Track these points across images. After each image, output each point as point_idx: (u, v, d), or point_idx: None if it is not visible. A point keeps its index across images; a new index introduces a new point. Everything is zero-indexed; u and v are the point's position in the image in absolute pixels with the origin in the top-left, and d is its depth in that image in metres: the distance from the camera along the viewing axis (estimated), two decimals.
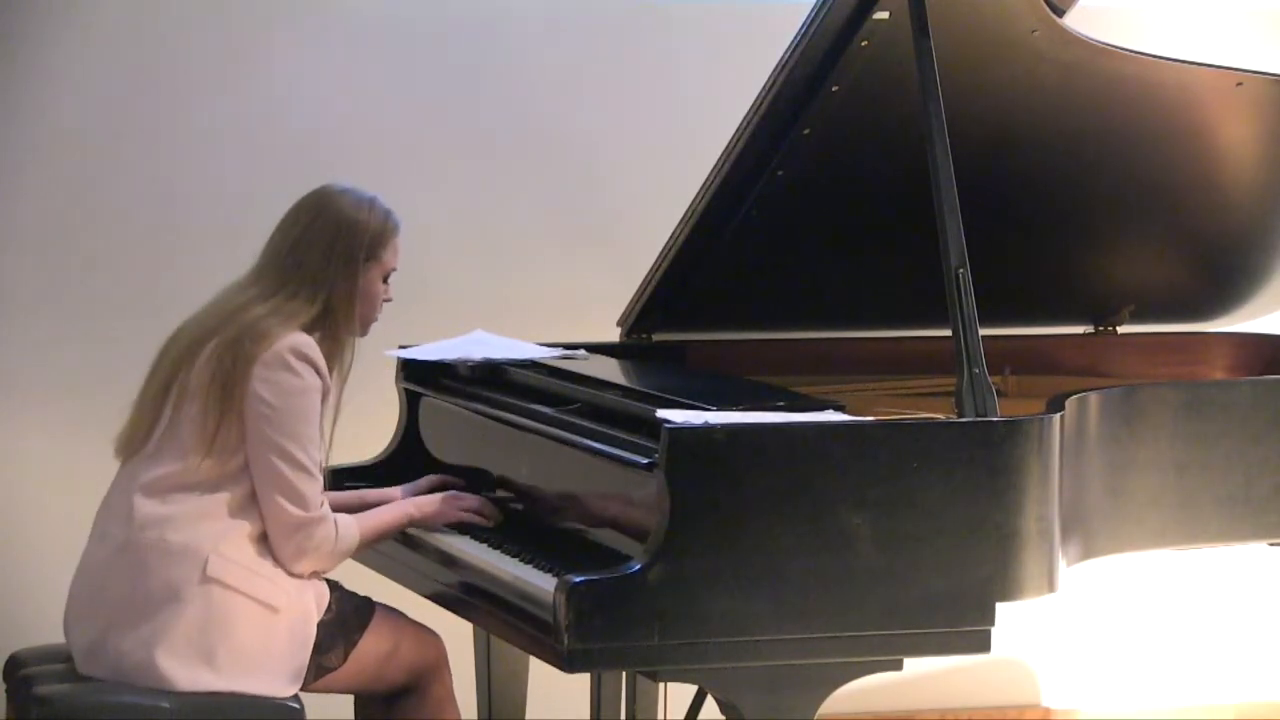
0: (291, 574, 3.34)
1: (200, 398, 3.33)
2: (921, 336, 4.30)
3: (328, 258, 3.41)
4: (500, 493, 3.72)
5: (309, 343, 3.36)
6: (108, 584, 3.33)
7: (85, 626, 3.35)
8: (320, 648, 3.40)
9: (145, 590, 3.29)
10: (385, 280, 3.50)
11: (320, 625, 3.40)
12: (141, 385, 3.43)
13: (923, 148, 3.46)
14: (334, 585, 3.49)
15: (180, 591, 3.27)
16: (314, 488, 3.33)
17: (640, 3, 5.08)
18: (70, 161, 4.80)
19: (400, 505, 3.60)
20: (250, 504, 3.33)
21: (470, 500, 3.64)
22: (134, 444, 3.41)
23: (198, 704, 3.25)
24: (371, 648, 3.47)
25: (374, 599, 3.55)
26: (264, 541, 3.34)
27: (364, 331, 3.50)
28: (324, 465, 3.40)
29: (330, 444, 3.45)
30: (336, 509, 3.47)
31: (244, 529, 3.32)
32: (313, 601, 3.38)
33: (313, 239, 3.43)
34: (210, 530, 3.30)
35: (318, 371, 3.36)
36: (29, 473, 4.77)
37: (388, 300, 3.52)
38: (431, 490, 3.73)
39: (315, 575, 3.40)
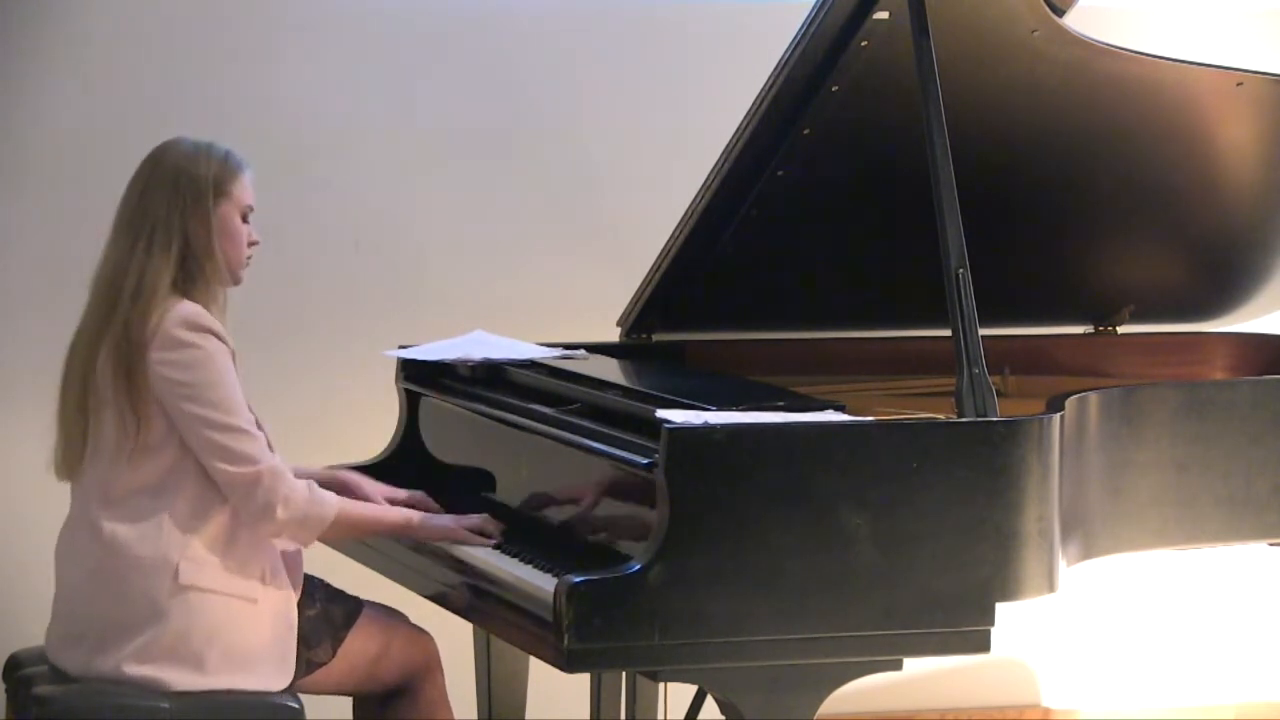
0: (267, 539, 3.31)
1: (111, 399, 3.29)
2: (921, 336, 4.30)
3: (173, 201, 3.33)
4: (500, 493, 3.72)
5: (196, 310, 3.29)
6: (86, 610, 3.32)
7: (73, 653, 3.34)
8: (308, 641, 3.40)
9: (125, 608, 3.27)
10: (245, 220, 3.40)
11: (306, 620, 3.40)
12: (58, 403, 3.39)
13: (922, 148, 3.46)
14: (320, 584, 3.50)
15: (158, 604, 3.26)
16: (253, 444, 3.27)
17: (640, 3, 5.08)
18: (70, 161, 4.80)
19: (404, 511, 3.53)
20: (206, 496, 3.29)
21: (475, 521, 3.55)
22: (70, 462, 3.38)
23: (197, 704, 3.26)
24: (361, 647, 3.47)
25: (367, 599, 3.55)
26: (230, 534, 3.30)
27: (236, 279, 3.40)
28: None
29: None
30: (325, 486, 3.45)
31: (207, 526, 3.29)
32: (289, 584, 3.36)
33: (154, 188, 3.35)
34: (174, 536, 3.27)
35: (216, 335, 3.29)
36: (29, 473, 4.76)
37: (255, 244, 3.42)
38: (409, 503, 3.64)
39: (289, 551, 3.37)
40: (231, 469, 3.27)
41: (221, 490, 3.30)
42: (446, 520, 3.54)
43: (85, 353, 3.35)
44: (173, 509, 3.29)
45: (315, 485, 3.36)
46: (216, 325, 3.30)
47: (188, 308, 3.30)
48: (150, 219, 3.34)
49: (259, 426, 3.34)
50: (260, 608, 3.32)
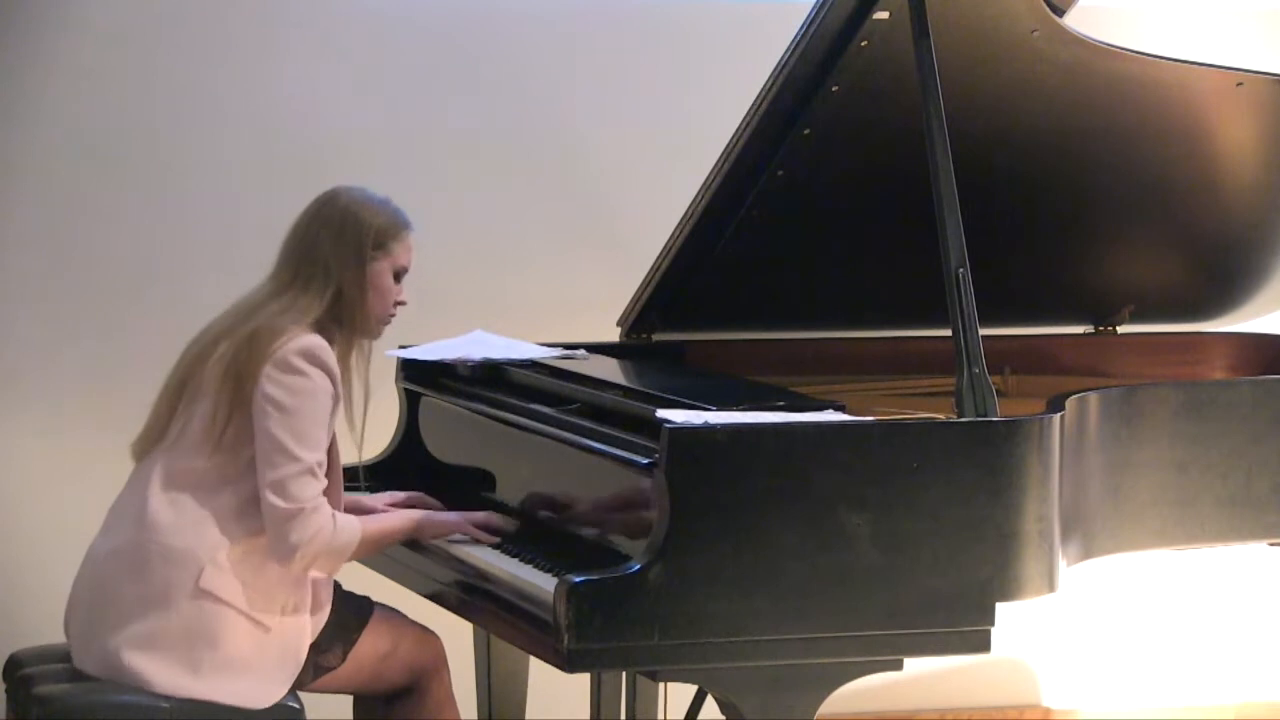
0: (291, 572, 3.31)
1: (211, 393, 3.33)
2: (921, 336, 4.30)
3: (336, 245, 3.42)
4: (500, 493, 3.72)
5: (321, 345, 3.35)
6: (106, 579, 3.33)
7: (80, 617, 3.36)
8: (319, 647, 3.40)
9: (140, 590, 3.28)
10: (398, 280, 3.49)
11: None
12: (162, 385, 3.43)
13: (923, 148, 3.46)
14: (335, 587, 3.48)
15: (172, 597, 3.27)
16: (310, 485, 3.29)
17: (641, 2, 5.08)
18: (70, 161, 4.80)
19: (409, 514, 3.55)
20: (252, 509, 3.31)
21: (480, 517, 3.57)
22: (147, 443, 3.41)
23: (196, 704, 3.25)
24: (370, 648, 3.47)
25: (373, 599, 3.55)
26: (264, 556, 3.30)
27: (377, 333, 3.49)
28: (331, 465, 3.38)
29: (362, 441, 3.45)
30: None
31: (245, 539, 3.30)
32: (309, 620, 3.36)
33: (321, 228, 3.44)
34: (210, 537, 3.29)
35: (328, 375, 3.34)
36: (29, 473, 4.77)
37: (401, 303, 3.51)
38: (410, 504, 3.69)
39: (319, 599, 3.38)
40: (276, 500, 3.28)
41: (262, 515, 3.30)
42: (452, 516, 3.55)
43: (205, 346, 3.39)
44: (218, 511, 3.31)
45: (339, 515, 3.35)
46: (333, 366, 3.35)
47: (314, 340, 3.35)
48: (311, 258, 3.42)
49: (333, 477, 3.37)
50: (271, 636, 3.31)
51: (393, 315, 3.51)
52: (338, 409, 3.39)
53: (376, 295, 3.46)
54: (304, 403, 3.31)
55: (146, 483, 3.35)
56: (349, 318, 3.43)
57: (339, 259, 3.42)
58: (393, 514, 3.56)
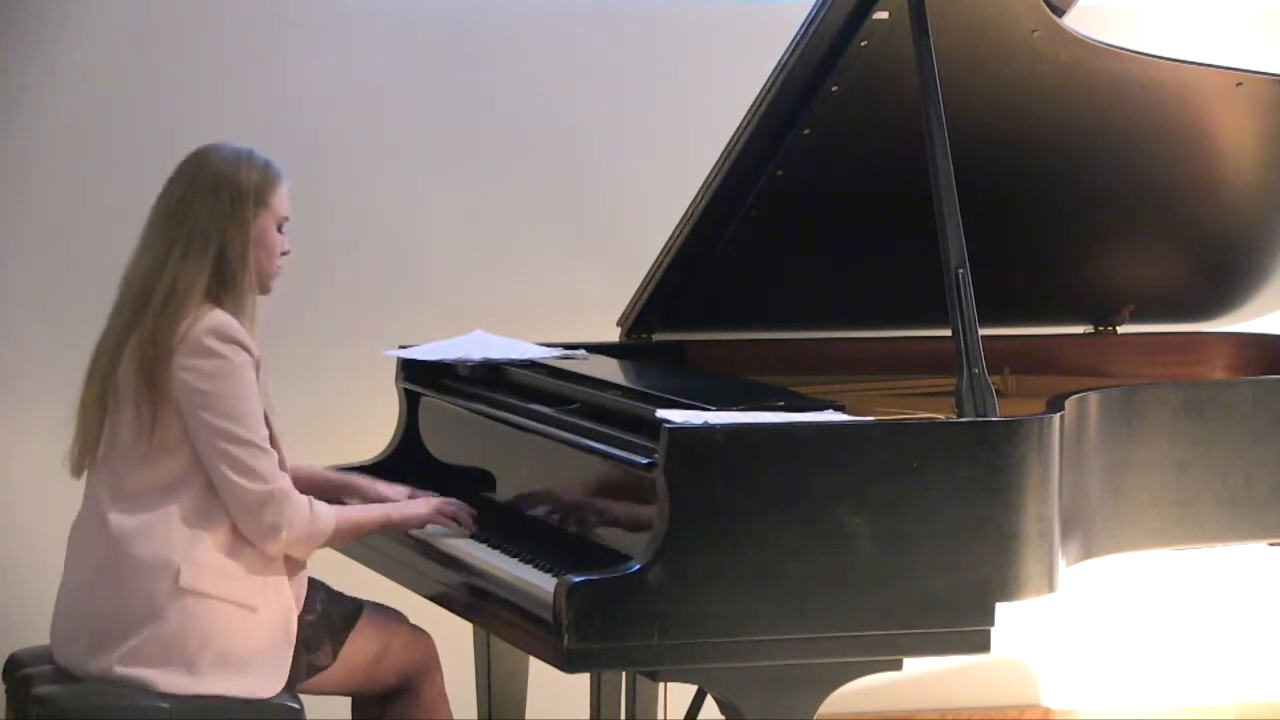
0: (268, 557, 3.30)
1: (131, 398, 3.28)
2: (921, 336, 4.30)
3: (214, 209, 3.33)
4: (500, 493, 3.72)
5: (227, 321, 3.28)
6: (88, 605, 3.31)
7: (69, 648, 3.34)
8: (309, 646, 3.40)
9: (124, 608, 3.27)
10: (280, 230, 3.40)
11: (306, 624, 3.39)
12: (79, 398, 3.37)
13: (923, 148, 3.46)
14: (320, 586, 3.49)
15: (156, 606, 3.25)
16: (266, 461, 3.27)
17: (640, 3, 5.08)
18: (70, 161, 4.80)
19: (381, 506, 3.55)
20: (214, 502, 3.28)
21: (450, 508, 3.58)
22: (84, 458, 3.36)
23: (198, 705, 3.25)
24: (360, 649, 3.47)
25: (366, 600, 3.55)
26: (236, 540, 3.29)
27: (265, 288, 3.40)
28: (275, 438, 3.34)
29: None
30: (322, 487, 3.47)
31: (213, 530, 3.28)
32: (292, 597, 3.36)
33: (195, 194, 3.34)
34: (179, 538, 3.26)
35: (243, 346, 3.28)
36: (29, 473, 4.77)
37: (286, 253, 3.42)
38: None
39: (293, 564, 3.37)
40: (243, 483, 3.26)
41: (226, 504, 3.28)
42: (422, 508, 3.55)
43: (110, 352, 3.34)
44: (180, 511, 3.28)
45: (315, 501, 3.35)
46: (245, 337, 3.30)
47: (219, 317, 3.29)
48: (188, 225, 3.33)
49: (274, 442, 3.33)
50: (259, 616, 3.30)
51: (280, 268, 3.42)
52: (261, 375, 3.33)
53: (264, 252, 3.37)
54: (227, 384, 3.26)
55: (98, 503, 3.32)
56: (236, 278, 3.33)
57: (219, 224, 3.32)
58: (365, 506, 3.55)
